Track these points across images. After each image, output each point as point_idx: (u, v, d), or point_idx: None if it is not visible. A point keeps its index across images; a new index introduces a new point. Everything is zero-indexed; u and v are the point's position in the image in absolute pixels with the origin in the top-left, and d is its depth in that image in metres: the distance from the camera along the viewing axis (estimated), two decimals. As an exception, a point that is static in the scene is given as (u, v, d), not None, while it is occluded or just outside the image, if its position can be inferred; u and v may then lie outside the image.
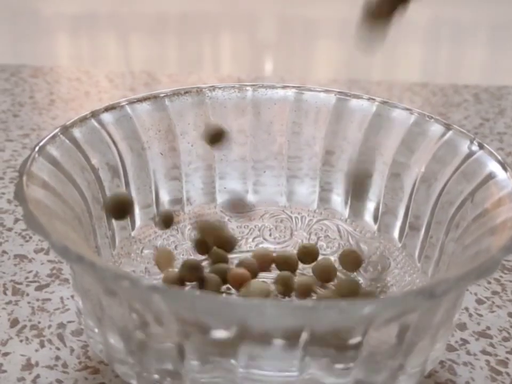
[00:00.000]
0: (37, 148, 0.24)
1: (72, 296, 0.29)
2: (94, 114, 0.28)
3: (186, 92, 0.31)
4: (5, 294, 0.29)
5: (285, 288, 0.28)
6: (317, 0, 1.94)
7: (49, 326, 0.27)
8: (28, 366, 0.25)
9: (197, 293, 0.18)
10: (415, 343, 0.22)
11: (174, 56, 1.64)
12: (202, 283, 0.27)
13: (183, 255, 0.30)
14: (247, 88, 0.32)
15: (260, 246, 0.31)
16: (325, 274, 0.29)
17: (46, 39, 1.64)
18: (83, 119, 0.27)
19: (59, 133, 0.26)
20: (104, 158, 0.28)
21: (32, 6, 1.87)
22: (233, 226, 0.31)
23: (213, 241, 0.28)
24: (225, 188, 0.32)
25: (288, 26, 1.85)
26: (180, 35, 1.75)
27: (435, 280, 0.24)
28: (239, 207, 0.28)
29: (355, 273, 0.30)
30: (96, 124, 0.28)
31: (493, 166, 0.26)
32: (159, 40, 1.69)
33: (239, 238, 0.31)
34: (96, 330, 0.23)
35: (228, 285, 0.28)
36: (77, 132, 0.27)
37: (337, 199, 0.31)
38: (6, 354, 0.26)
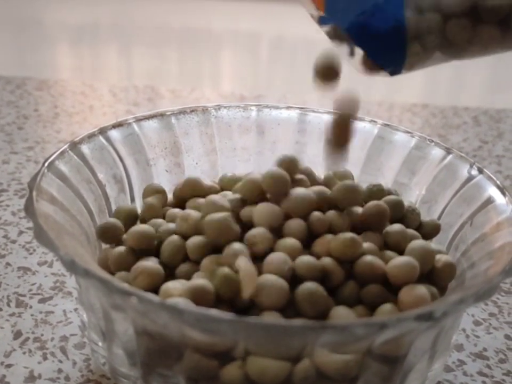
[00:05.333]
0: (46, 163, 0.25)
1: (75, 309, 0.29)
2: (102, 131, 0.28)
3: (192, 111, 0.31)
4: (9, 306, 0.29)
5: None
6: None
7: (52, 339, 0.27)
8: (31, 378, 0.25)
9: (207, 312, 0.18)
10: (413, 364, 0.22)
11: (175, 70, 1.65)
12: None
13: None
14: (252, 108, 0.32)
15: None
16: None
17: (48, 50, 1.65)
18: (91, 136, 0.28)
19: (68, 149, 0.26)
20: (111, 174, 0.28)
21: (35, 17, 1.88)
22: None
23: None
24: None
25: (289, 43, 1.86)
26: (181, 49, 1.77)
27: (434, 302, 0.24)
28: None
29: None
30: (103, 140, 0.28)
31: (492, 191, 0.26)
32: (160, 53, 1.70)
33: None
34: (100, 344, 0.24)
35: None
36: (85, 148, 0.27)
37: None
38: (9, 366, 0.26)
